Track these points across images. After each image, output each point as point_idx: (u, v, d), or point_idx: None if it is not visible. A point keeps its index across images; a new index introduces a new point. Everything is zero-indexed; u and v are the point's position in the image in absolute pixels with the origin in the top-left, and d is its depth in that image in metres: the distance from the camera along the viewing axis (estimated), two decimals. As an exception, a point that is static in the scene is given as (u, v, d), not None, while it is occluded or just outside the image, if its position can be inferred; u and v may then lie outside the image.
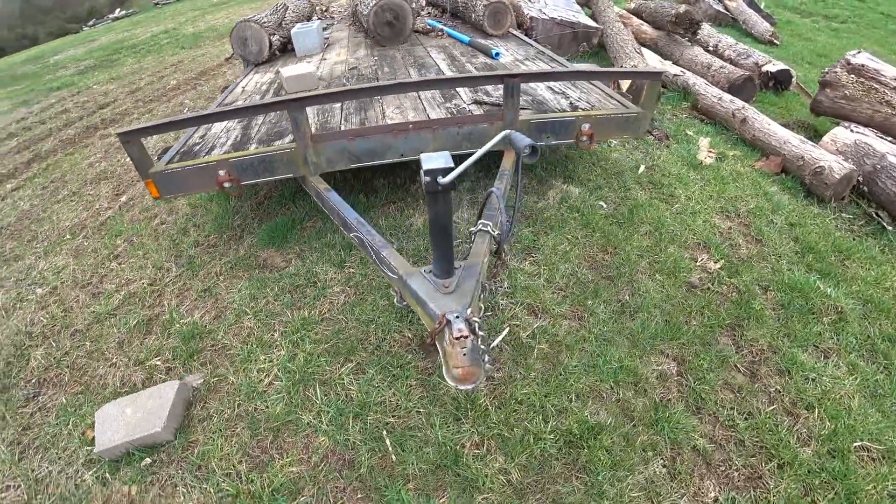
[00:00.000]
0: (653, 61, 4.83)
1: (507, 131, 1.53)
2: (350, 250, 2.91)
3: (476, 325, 1.60)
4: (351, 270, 2.78)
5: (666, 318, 2.35)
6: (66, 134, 5.72)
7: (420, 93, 3.24)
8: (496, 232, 2.03)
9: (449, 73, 3.68)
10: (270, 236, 3.14)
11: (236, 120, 3.16)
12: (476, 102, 3.04)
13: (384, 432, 1.92)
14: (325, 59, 4.54)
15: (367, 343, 2.33)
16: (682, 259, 2.70)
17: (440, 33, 4.88)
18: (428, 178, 1.39)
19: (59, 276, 3.23)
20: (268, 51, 4.54)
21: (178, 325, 2.63)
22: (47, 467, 2.08)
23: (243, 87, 3.99)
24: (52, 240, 3.66)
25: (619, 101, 3.02)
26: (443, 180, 1.37)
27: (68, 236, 3.66)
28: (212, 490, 1.84)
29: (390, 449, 1.87)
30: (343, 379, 2.16)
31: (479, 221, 2.04)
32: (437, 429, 1.89)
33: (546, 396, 1.98)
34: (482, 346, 1.67)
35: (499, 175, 2.54)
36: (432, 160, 1.41)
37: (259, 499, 1.78)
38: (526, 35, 5.55)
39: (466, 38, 4.39)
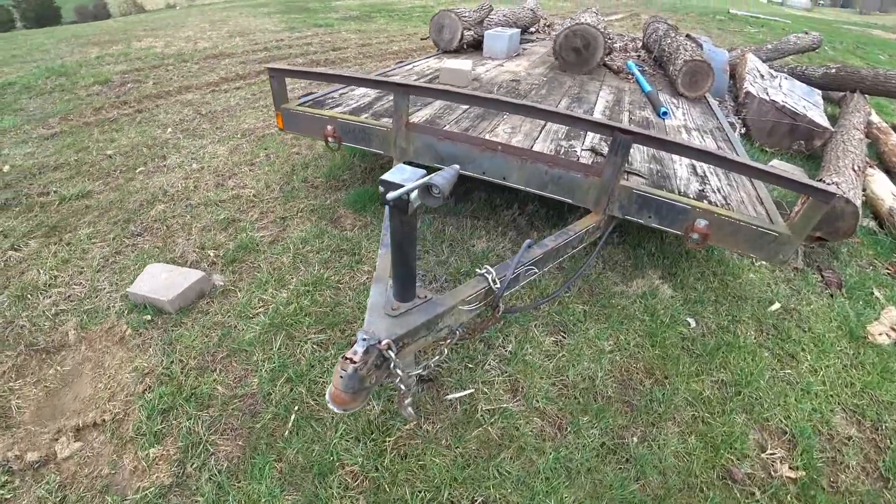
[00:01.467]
0: (881, 190, 3.64)
1: (455, 169, 1.31)
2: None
3: (392, 361, 1.46)
4: (390, 257, 2.81)
5: (660, 492, 1.80)
6: (297, 61, 6.99)
7: (548, 123, 3.05)
8: (496, 284, 1.80)
9: (598, 115, 3.37)
10: (354, 200, 3.36)
11: (375, 91, 3.42)
12: (592, 150, 2.72)
13: (296, 408, 1.92)
14: (501, 65, 4.59)
15: (350, 325, 2.34)
16: (743, 437, 2.03)
17: (629, 76, 4.49)
18: (381, 189, 1.30)
19: (211, 161, 4.01)
20: (457, 42, 4.78)
21: (242, 235, 3.02)
22: (105, 286, 2.63)
23: (413, 66, 4.30)
24: (228, 134, 4.55)
25: (767, 212, 2.37)
26: (388, 195, 1.25)
27: (238, 136, 4.50)
28: (162, 364, 2.12)
29: (289, 426, 1.87)
30: (307, 343, 2.22)
31: (486, 266, 1.84)
32: (335, 435, 1.82)
33: (452, 480, 1.72)
34: (401, 386, 1.52)
35: (561, 231, 2.24)
36: (396, 173, 1.31)
37: (179, 392, 1.99)
38: (737, 111, 4.75)
39: (648, 88, 3.95)
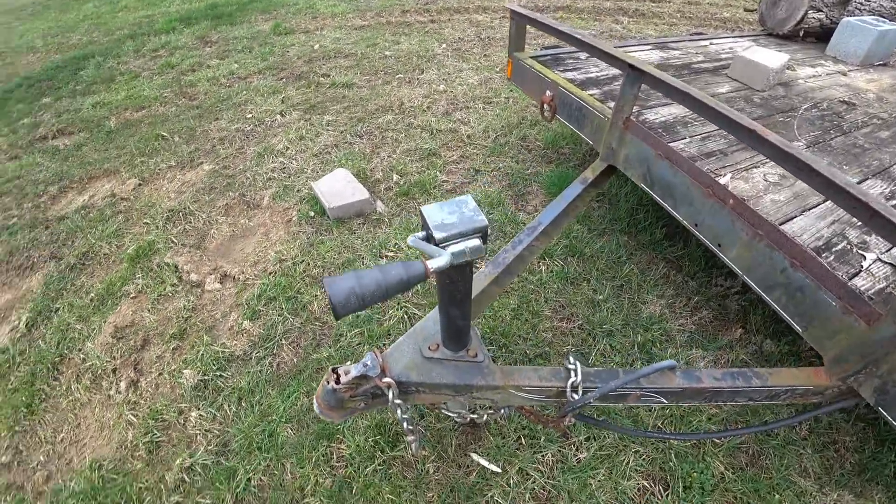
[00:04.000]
0: None
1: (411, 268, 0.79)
2: (559, 254, 2.49)
3: (391, 402, 1.24)
4: (532, 272, 2.42)
5: None
6: (605, 5, 6.27)
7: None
8: (574, 395, 1.29)
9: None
10: (552, 181, 2.94)
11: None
12: (892, 266, 1.60)
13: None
14: (844, 74, 3.09)
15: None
16: None
17: None
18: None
19: (457, 87, 4.08)
20: (793, 24, 3.39)
21: (429, 172, 3.03)
22: (308, 171, 3.09)
23: (710, 43, 3.28)
24: (489, 64, 4.53)
25: None
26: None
27: (497, 69, 4.41)
28: (294, 259, 2.42)
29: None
30: (401, 310, 2.16)
31: (575, 360, 1.32)
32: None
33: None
34: (404, 425, 1.32)
35: (741, 371, 1.46)
36: (446, 208, 0.94)
37: (288, 289, 2.28)
38: None
39: None
